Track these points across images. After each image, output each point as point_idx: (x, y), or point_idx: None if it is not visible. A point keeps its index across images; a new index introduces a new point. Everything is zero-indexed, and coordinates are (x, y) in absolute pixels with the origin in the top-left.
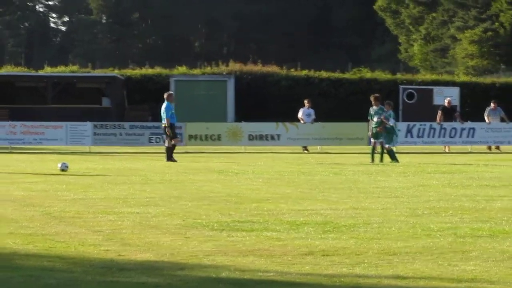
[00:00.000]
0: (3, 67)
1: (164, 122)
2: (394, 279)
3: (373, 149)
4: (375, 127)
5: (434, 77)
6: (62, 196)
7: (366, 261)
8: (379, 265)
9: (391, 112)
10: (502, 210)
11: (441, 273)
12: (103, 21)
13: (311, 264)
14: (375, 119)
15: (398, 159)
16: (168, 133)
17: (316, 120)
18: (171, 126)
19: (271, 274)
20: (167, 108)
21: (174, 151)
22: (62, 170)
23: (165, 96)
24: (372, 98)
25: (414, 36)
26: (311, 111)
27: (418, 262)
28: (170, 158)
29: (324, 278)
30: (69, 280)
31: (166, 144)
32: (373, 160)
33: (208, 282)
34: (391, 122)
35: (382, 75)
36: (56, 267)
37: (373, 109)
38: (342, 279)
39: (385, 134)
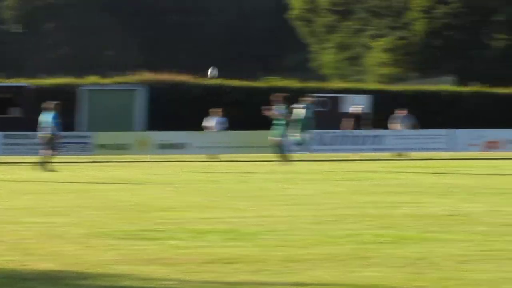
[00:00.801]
0: None
1: (48, 132)
2: (296, 286)
3: (281, 148)
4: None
5: (345, 85)
6: None
7: (269, 268)
8: (282, 272)
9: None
10: (406, 216)
11: (343, 279)
12: (15, 30)
13: (214, 272)
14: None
15: (290, 159)
16: (50, 143)
17: (227, 128)
18: (56, 136)
19: (174, 282)
20: (54, 118)
21: (49, 161)
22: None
23: (51, 106)
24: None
25: (327, 45)
26: (223, 119)
27: (320, 269)
28: (45, 167)
29: (226, 286)
30: None
31: (44, 154)
32: (286, 160)
33: None
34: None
35: (293, 83)
36: None
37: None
38: (244, 287)
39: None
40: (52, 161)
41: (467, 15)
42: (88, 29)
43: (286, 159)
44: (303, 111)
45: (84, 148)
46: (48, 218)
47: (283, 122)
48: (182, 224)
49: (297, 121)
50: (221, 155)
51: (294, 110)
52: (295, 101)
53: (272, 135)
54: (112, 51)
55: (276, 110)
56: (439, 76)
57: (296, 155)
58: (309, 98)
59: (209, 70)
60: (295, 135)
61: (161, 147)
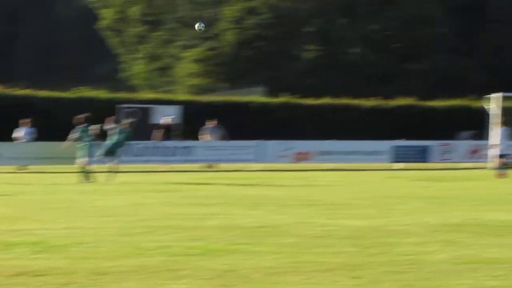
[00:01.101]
0: None
1: None
2: None
3: (86, 170)
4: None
5: (155, 96)
6: None
7: (77, 281)
8: (90, 285)
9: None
10: (215, 228)
11: None
12: None
13: (23, 285)
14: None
15: (90, 178)
16: None
17: (36, 138)
18: None
19: None
20: None
21: None
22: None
23: None
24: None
25: (137, 55)
26: (32, 130)
27: (129, 281)
28: None
29: None
30: None
31: None
32: (89, 179)
33: None
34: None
35: (102, 94)
36: None
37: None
38: None
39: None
40: None
41: (277, 26)
42: None
43: (92, 180)
44: (116, 134)
45: None
46: None
47: (87, 143)
48: None
49: (108, 143)
50: (30, 166)
51: (108, 132)
52: (103, 120)
53: (77, 157)
54: None
55: (77, 133)
56: (249, 87)
57: (105, 166)
58: (126, 122)
59: (196, 25)
60: (102, 157)
61: None
